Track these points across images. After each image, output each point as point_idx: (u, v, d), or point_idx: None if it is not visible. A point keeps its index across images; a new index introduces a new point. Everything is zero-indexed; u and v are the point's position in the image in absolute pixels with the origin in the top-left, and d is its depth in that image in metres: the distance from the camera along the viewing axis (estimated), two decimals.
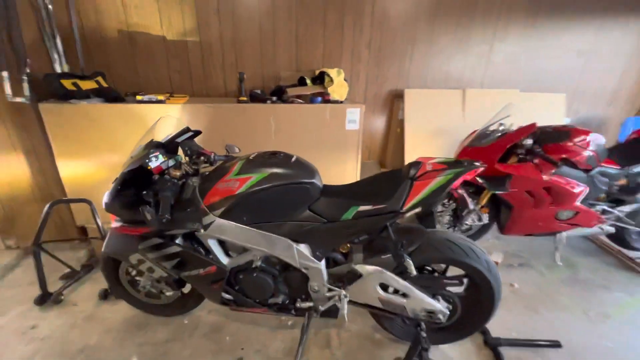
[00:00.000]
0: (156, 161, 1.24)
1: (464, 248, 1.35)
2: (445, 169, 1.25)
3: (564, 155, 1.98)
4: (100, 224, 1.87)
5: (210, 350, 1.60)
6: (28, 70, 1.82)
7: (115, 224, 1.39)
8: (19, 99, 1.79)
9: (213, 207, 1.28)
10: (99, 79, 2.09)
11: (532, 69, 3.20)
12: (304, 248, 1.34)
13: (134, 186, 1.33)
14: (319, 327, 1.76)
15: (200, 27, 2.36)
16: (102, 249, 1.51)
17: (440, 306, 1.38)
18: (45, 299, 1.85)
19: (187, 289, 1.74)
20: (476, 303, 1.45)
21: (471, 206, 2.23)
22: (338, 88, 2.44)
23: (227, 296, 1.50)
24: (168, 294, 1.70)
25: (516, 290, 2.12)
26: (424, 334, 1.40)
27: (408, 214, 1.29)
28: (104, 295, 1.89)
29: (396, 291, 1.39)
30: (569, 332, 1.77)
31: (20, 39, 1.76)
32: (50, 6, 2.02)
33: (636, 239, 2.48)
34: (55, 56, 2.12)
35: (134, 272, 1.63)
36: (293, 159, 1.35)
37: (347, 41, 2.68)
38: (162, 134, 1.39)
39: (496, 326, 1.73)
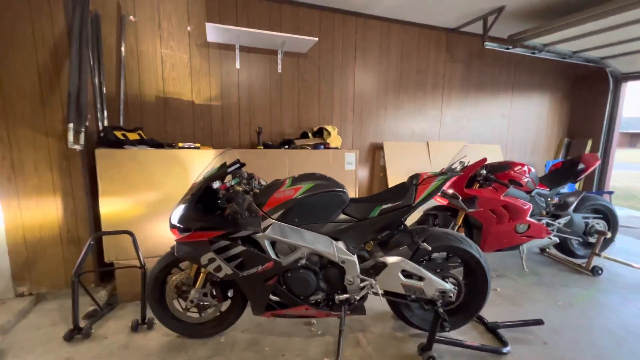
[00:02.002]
0: (222, 182, 1.63)
1: (458, 237, 1.80)
2: (437, 177, 1.77)
3: (510, 177, 2.66)
4: (140, 254, 2.02)
5: (254, 359, 1.72)
6: (87, 124, 2.16)
7: (180, 235, 1.64)
8: (77, 147, 2.08)
9: (270, 213, 1.63)
10: (140, 132, 2.47)
11: (472, 127, 4.18)
12: (340, 244, 1.69)
13: (200, 202, 1.65)
14: (346, 332, 1.96)
15: (222, 95, 2.94)
16: (157, 260, 1.72)
17: (449, 286, 1.75)
18: (74, 334, 1.85)
19: (225, 306, 1.90)
20: (474, 283, 1.84)
21: (461, 204, 2.57)
22: (334, 139, 3.05)
23: (274, 298, 1.72)
24: (209, 310, 1.85)
25: (499, 292, 2.53)
26: (441, 310, 1.72)
27: (417, 208, 1.74)
28: (135, 327, 1.93)
29: (413, 277, 1.74)
30: (547, 316, 2.16)
31: (85, 99, 2.15)
32: (103, 80, 2.50)
33: (577, 248, 3.12)
34: (99, 114, 2.51)
35: (180, 290, 1.79)
36: (328, 176, 1.79)
37: (336, 106, 3.42)
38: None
39: (491, 318, 2.08)
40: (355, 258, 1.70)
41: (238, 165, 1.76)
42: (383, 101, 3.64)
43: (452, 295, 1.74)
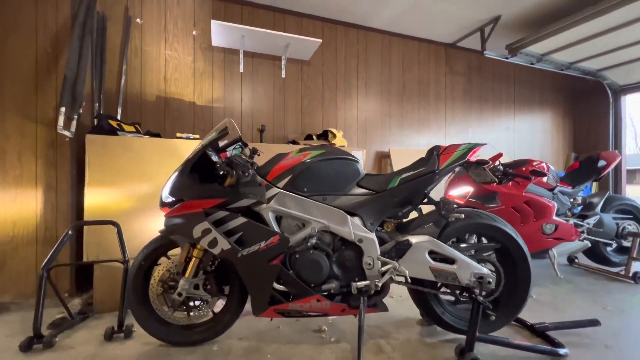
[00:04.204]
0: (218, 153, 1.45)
1: (490, 215, 1.57)
2: (460, 145, 1.61)
3: (532, 169, 2.47)
4: (125, 247, 1.76)
5: None
6: (80, 111, 2.04)
7: (170, 210, 1.41)
8: (66, 133, 1.93)
9: (275, 181, 1.43)
10: (137, 126, 2.34)
11: (478, 139, 4.11)
12: (357, 220, 1.46)
13: (195, 171, 1.46)
14: (365, 339, 1.62)
15: (225, 97, 2.88)
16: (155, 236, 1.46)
17: (487, 270, 1.47)
18: (33, 342, 1.51)
19: (218, 307, 1.59)
20: (512, 270, 1.56)
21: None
22: (339, 141, 2.93)
23: (279, 287, 1.43)
24: (200, 311, 1.54)
25: (537, 299, 2.20)
26: (481, 298, 1.42)
27: (443, 177, 1.54)
28: (110, 335, 1.60)
29: (444, 261, 1.48)
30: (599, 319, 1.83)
31: (82, 86, 2.05)
32: (104, 75, 2.44)
33: (612, 254, 2.82)
34: (96, 108, 2.40)
35: (166, 284, 1.51)
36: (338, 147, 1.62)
37: (340, 113, 3.36)
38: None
39: (534, 321, 1.75)
40: (374, 236, 1.46)
41: (240, 144, 1.61)
42: (387, 110, 3.60)
43: (490, 281, 1.46)
